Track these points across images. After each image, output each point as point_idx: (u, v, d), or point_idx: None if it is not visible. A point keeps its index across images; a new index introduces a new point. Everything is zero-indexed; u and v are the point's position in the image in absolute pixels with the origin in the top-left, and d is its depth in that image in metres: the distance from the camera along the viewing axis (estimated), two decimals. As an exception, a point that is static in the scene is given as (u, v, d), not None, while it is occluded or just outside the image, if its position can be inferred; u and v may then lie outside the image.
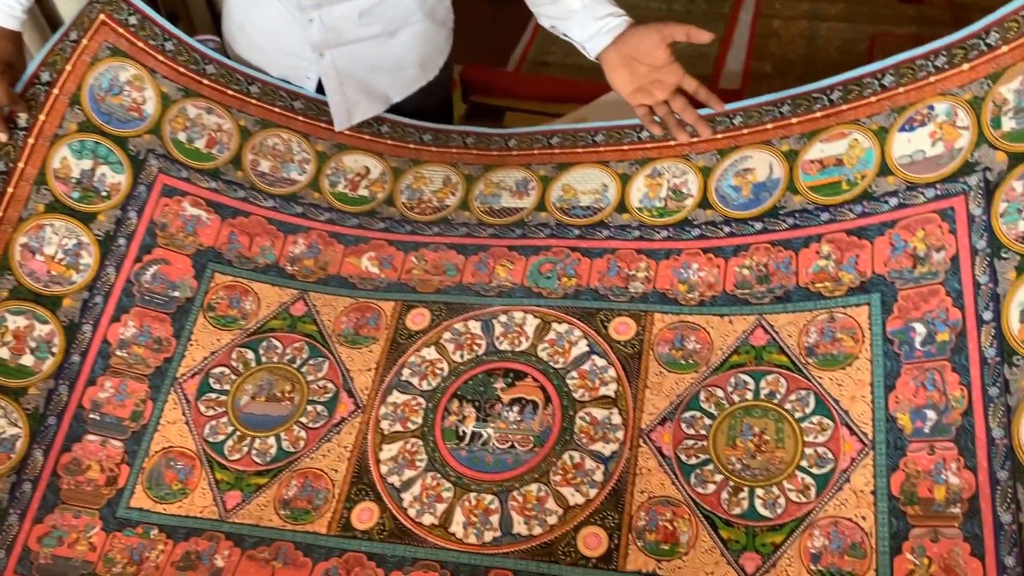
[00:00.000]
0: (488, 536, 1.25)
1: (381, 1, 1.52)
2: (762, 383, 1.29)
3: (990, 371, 1.12)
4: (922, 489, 1.11)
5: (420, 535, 1.27)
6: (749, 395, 1.29)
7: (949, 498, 1.09)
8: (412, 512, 1.29)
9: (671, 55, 1.33)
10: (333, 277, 1.54)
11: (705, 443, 1.27)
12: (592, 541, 1.22)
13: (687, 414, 1.30)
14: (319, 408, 1.41)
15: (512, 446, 1.33)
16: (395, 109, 1.66)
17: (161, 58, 1.52)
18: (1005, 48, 1.22)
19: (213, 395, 1.42)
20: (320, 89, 1.60)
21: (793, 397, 1.26)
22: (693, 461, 1.26)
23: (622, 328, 1.41)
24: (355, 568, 1.25)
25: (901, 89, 1.32)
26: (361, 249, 1.57)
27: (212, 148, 1.55)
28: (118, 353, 1.40)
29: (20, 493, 1.29)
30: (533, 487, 1.29)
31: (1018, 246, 1.15)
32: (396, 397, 1.41)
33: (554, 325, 1.44)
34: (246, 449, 1.38)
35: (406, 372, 1.43)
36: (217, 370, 1.44)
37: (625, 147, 1.54)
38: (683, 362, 1.35)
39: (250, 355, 1.46)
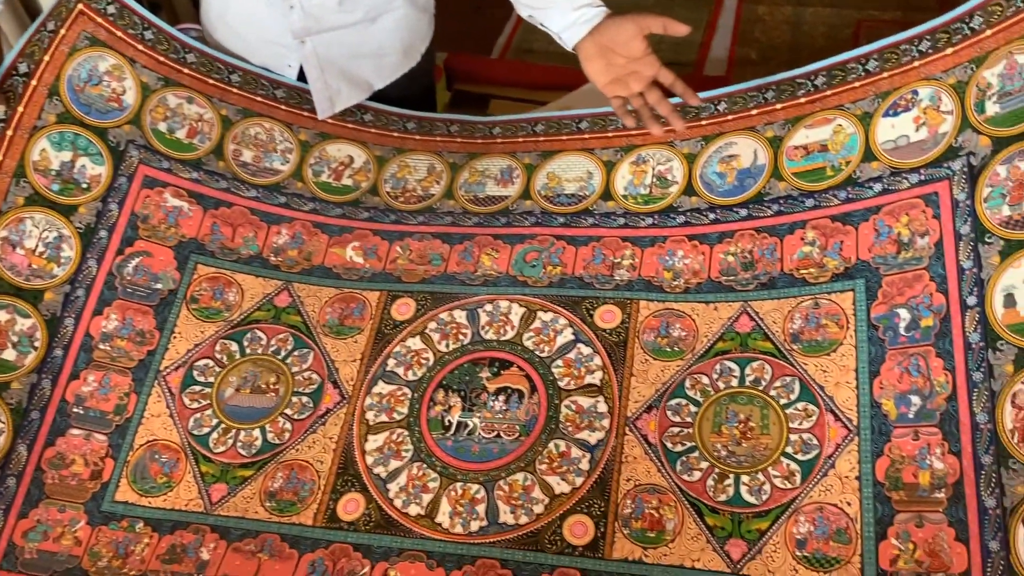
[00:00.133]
0: (474, 526, 1.25)
1: (362, -12, 1.51)
2: (747, 370, 1.29)
3: (974, 356, 1.12)
4: (907, 474, 1.12)
5: (406, 525, 1.27)
6: (734, 382, 1.29)
7: (934, 483, 1.09)
8: (398, 503, 1.29)
9: (648, 47, 1.31)
10: (317, 267, 1.54)
11: (691, 430, 1.27)
12: (578, 529, 1.22)
13: (673, 401, 1.30)
14: (304, 399, 1.40)
15: (498, 435, 1.32)
16: (378, 97, 1.65)
17: (140, 47, 1.50)
18: (989, 32, 1.22)
19: (197, 387, 1.41)
20: (301, 77, 1.58)
21: (778, 383, 1.26)
22: (679, 448, 1.26)
23: (607, 316, 1.40)
24: (341, 559, 1.25)
25: (885, 74, 1.32)
26: (345, 239, 1.56)
27: (193, 138, 1.54)
28: (101, 346, 1.39)
29: (4, 488, 1.28)
30: (519, 476, 1.28)
31: (1002, 231, 1.15)
32: (381, 388, 1.41)
33: (539, 314, 1.43)
34: (231, 441, 1.37)
35: (391, 362, 1.43)
36: (201, 362, 1.43)
37: (610, 134, 1.54)
38: (668, 349, 1.35)
39: (234, 347, 1.45)
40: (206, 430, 1.38)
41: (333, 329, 1.47)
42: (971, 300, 1.15)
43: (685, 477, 1.23)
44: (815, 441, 1.20)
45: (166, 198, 1.50)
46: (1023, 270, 1.11)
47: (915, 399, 1.15)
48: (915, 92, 1.29)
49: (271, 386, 1.42)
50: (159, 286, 1.46)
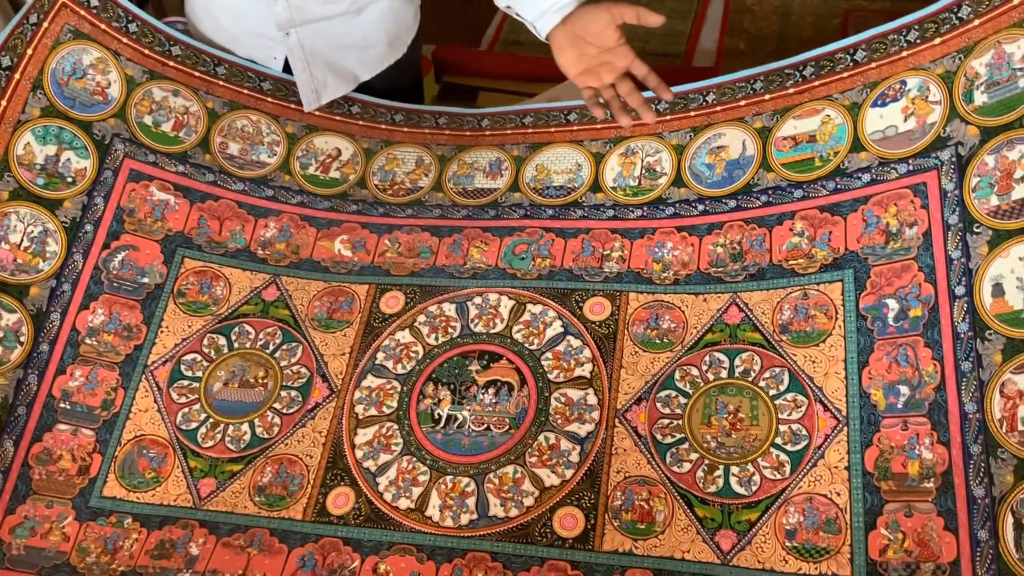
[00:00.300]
0: (465, 519, 1.25)
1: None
2: (737, 361, 1.29)
3: (963, 346, 1.12)
4: (896, 464, 1.12)
5: (396, 519, 1.26)
6: (724, 373, 1.29)
7: (923, 473, 1.10)
8: (388, 496, 1.29)
9: (621, 36, 1.29)
10: (305, 261, 1.53)
11: (680, 422, 1.27)
12: (568, 522, 1.22)
13: (662, 393, 1.30)
14: (293, 393, 1.40)
15: (488, 428, 1.32)
16: (365, 89, 1.64)
17: (125, 40, 1.49)
18: (977, 22, 1.22)
19: (185, 382, 1.40)
20: (287, 69, 1.57)
21: (767, 374, 1.26)
22: (668, 440, 1.26)
23: (597, 308, 1.40)
24: (331, 553, 1.24)
25: (873, 64, 1.32)
26: (334, 232, 1.55)
27: (179, 131, 1.52)
28: (87, 341, 1.38)
29: (-10, 484, 1.28)
30: (509, 469, 1.28)
31: (990, 220, 1.15)
32: (371, 381, 1.40)
33: (529, 306, 1.43)
34: (220, 436, 1.36)
35: (380, 356, 1.42)
36: (189, 357, 1.42)
37: (598, 126, 1.54)
38: (658, 341, 1.35)
39: (222, 341, 1.44)
40: (194, 425, 1.37)
41: (322, 323, 1.47)
42: (959, 290, 1.15)
43: (675, 469, 1.23)
44: (804, 432, 1.20)
45: (152, 192, 1.49)
46: (1011, 259, 1.11)
47: (904, 389, 1.16)
48: (903, 82, 1.29)
49: (260, 380, 1.41)
50: (146, 280, 1.45)
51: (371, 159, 1.62)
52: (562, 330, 1.40)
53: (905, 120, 1.29)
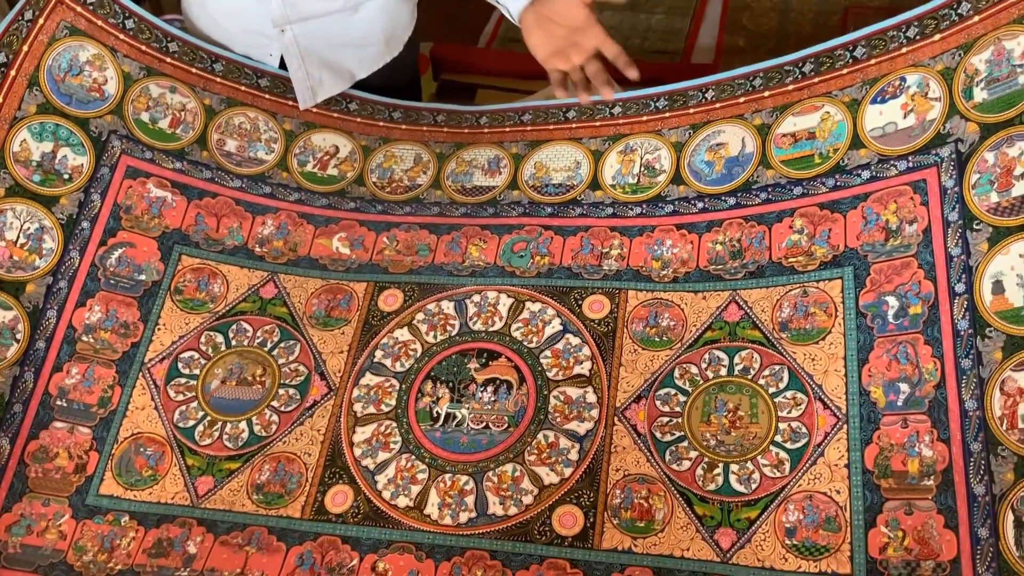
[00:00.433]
0: (463, 517, 1.25)
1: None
2: (736, 359, 1.29)
3: (963, 343, 1.12)
4: (896, 462, 1.12)
5: (395, 517, 1.26)
6: (723, 371, 1.28)
7: (923, 471, 1.09)
8: (387, 494, 1.28)
9: (590, 15, 1.25)
10: (303, 258, 1.52)
11: (680, 420, 1.26)
12: (568, 520, 1.22)
13: (662, 391, 1.29)
14: (291, 391, 1.39)
15: (487, 426, 1.32)
16: (362, 87, 1.63)
17: (122, 36, 1.48)
18: (976, 18, 1.22)
19: (182, 380, 1.40)
20: (284, 66, 1.57)
21: (767, 372, 1.26)
22: (668, 438, 1.25)
23: (596, 306, 1.40)
24: (330, 552, 1.24)
25: (873, 61, 1.32)
26: (332, 230, 1.55)
27: (176, 128, 1.52)
28: (84, 338, 1.37)
29: (-14, 482, 1.27)
30: (508, 467, 1.28)
31: (990, 218, 1.15)
32: (369, 379, 1.40)
33: (528, 304, 1.43)
34: (217, 434, 1.36)
35: (379, 354, 1.42)
36: (186, 354, 1.42)
37: (597, 123, 1.53)
38: (657, 339, 1.34)
39: (219, 339, 1.44)
40: (192, 423, 1.37)
41: (320, 320, 1.46)
42: (959, 287, 1.15)
43: (674, 467, 1.23)
44: (804, 429, 1.20)
45: (149, 188, 1.48)
46: (1011, 257, 1.11)
47: (904, 387, 1.15)
48: (903, 79, 1.29)
49: (257, 378, 1.41)
50: (143, 277, 1.44)
51: (369, 156, 1.61)
52: (561, 328, 1.39)
53: (905, 117, 1.28)
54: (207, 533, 1.27)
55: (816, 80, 1.36)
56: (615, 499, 1.22)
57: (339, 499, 1.29)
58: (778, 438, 1.21)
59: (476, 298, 1.45)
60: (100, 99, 1.47)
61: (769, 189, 1.37)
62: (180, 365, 1.41)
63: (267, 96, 1.58)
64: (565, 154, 1.55)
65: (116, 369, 1.38)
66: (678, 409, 1.27)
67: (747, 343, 1.29)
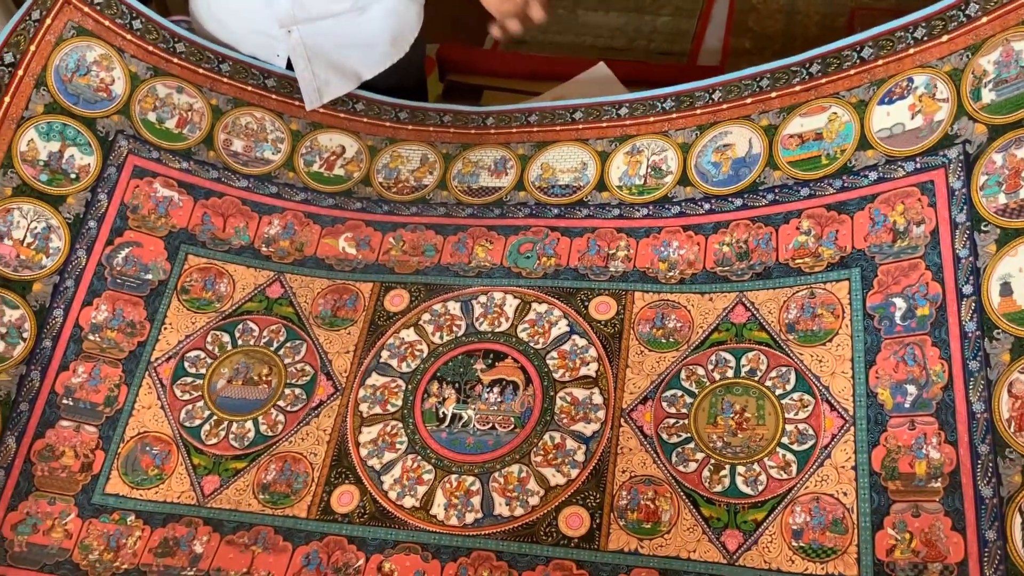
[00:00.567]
0: (470, 518, 1.25)
1: (351, -24, 1.50)
2: (743, 360, 1.28)
3: (970, 345, 1.12)
4: (903, 464, 1.11)
5: (401, 518, 1.26)
6: (730, 372, 1.28)
7: (930, 473, 1.09)
8: (393, 495, 1.28)
9: None
10: (310, 258, 1.52)
11: (686, 421, 1.26)
12: (574, 521, 1.22)
13: (668, 393, 1.29)
14: (297, 391, 1.39)
15: (493, 427, 1.32)
16: (368, 87, 1.63)
17: (129, 37, 1.48)
18: (984, 19, 1.21)
19: (189, 379, 1.40)
20: (291, 67, 1.57)
21: (774, 374, 1.26)
22: (674, 439, 1.25)
23: (602, 307, 1.40)
24: (336, 552, 1.24)
25: (880, 61, 1.32)
26: (338, 230, 1.55)
27: (183, 128, 1.52)
28: (91, 337, 1.38)
29: (-7, 481, 1.27)
30: (514, 468, 1.28)
31: (998, 219, 1.14)
32: (375, 379, 1.40)
33: (534, 305, 1.43)
34: (223, 433, 1.36)
35: (385, 354, 1.42)
36: (192, 353, 1.42)
37: (604, 124, 1.53)
38: (664, 341, 1.34)
39: (226, 338, 1.44)
40: (198, 422, 1.37)
41: (326, 320, 1.46)
42: (967, 289, 1.15)
43: (681, 468, 1.23)
44: (811, 431, 1.20)
45: (156, 188, 1.48)
46: (1019, 258, 1.11)
47: (911, 388, 1.15)
48: (910, 79, 1.29)
49: (264, 378, 1.41)
50: (149, 276, 1.44)
51: (375, 157, 1.61)
52: (567, 329, 1.39)
53: (912, 118, 1.28)
54: (213, 532, 1.27)
55: (823, 80, 1.36)
56: (621, 500, 1.22)
57: (345, 499, 1.29)
58: (785, 440, 1.20)
59: (482, 299, 1.45)
60: (107, 99, 1.47)
61: (776, 190, 1.37)
62: (186, 364, 1.41)
63: (274, 96, 1.58)
64: (571, 155, 1.54)
65: (122, 368, 1.38)
66: (684, 411, 1.27)
67: (754, 344, 1.29)
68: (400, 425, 1.35)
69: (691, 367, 1.30)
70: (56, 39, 1.43)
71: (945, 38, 1.26)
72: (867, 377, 1.20)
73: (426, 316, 1.45)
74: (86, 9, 1.45)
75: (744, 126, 1.42)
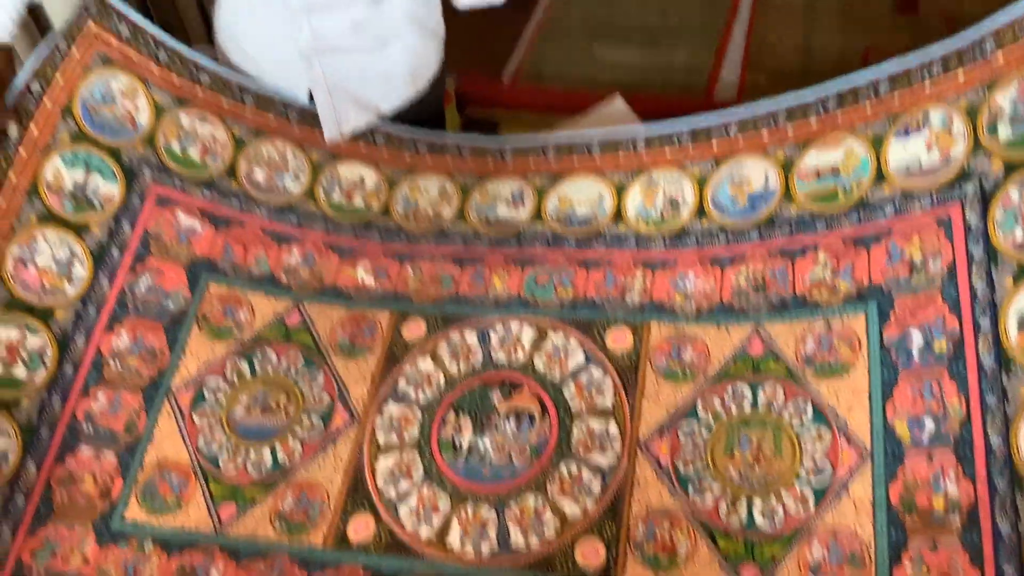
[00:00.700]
0: (485, 549, 1.24)
1: (374, 13, 1.51)
2: (759, 393, 1.28)
3: (988, 380, 1.11)
4: (921, 498, 1.11)
5: (417, 548, 1.26)
6: (747, 405, 1.28)
7: (948, 507, 1.09)
8: (409, 524, 1.28)
9: None
10: (328, 288, 1.54)
11: (703, 454, 1.26)
12: (590, 553, 1.21)
13: (685, 425, 1.29)
14: (314, 419, 1.40)
15: (509, 458, 1.32)
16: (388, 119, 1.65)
17: (154, 67, 1.51)
18: (1001, 56, 1.22)
19: (207, 406, 1.41)
20: (312, 99, 1.59)
21: (791, 407, 1.26)
22: (691, 472, 1.25)
23: (619, 339, 1.40)
24: (351, 581, 1.24)
25: (896, 97, 1.32)
26: (356, 259, 1.56)
27: (206, 157, 1.54)
28: (111, 364, 1.39)
29: (13, 506, 1.27)
30: (531, 499, 1.28)
31: (1015, 254, 1.14)
32: (392, 408, 1.40)
33: (551, 336, 1.43)
34: (241, 461, 1.36)
35: (402, 383, 1.43)
36: (212, 381, 1.43)
37: (620, 157, 1.54)
38: (680, 373, 1.34)
39: (245, 366, 1.45)
40: (216, 449, 1.37)
41: (344, 349, 1.47)
42: (984, 323, 1.15)
43: (697, 501, 1.22)
44: (828, 465, 1.19)
45: (178, 217, 1.50)
46: (1037, 293, 1.11)
47: (929, 423, 1.15)
48: (926, 114, 1.29)
49: (281, 406, 1.41)
50: (170, 304, 1.46)
51: (395, 188, 1.63)
52: (584, 360, 1.39)
53: (928, 152, 1.29)
54: (229, 560, 1.27)
55: (839, 115, 1.37)
56: (638, 533, 1.22)
57: (361, 528, 1.29)
58: (802, 473, 1.20)
59: (499, 329, 1.46)
60: (132, 129, 1.49)
61: (793, 223, 1.38)
62: (206, 392, 1.42)
63: (295, 127, 1.60)
64: (588, 187, 1.55)
65: (143, 395, 1.39)
66: (701, 443, 1.27)
67: (770, 377, 1.29)
68: (416, 454, 1.35)
69: (708, 399, 1.30)
70: (83, 69, 1.46)
71: (960, 74, 1.26)
72: (884, 411, 1.19)
73: (443, 346, 1.46)
74: (113, 41, 1.48)
75: (760, 159, 1.43)
